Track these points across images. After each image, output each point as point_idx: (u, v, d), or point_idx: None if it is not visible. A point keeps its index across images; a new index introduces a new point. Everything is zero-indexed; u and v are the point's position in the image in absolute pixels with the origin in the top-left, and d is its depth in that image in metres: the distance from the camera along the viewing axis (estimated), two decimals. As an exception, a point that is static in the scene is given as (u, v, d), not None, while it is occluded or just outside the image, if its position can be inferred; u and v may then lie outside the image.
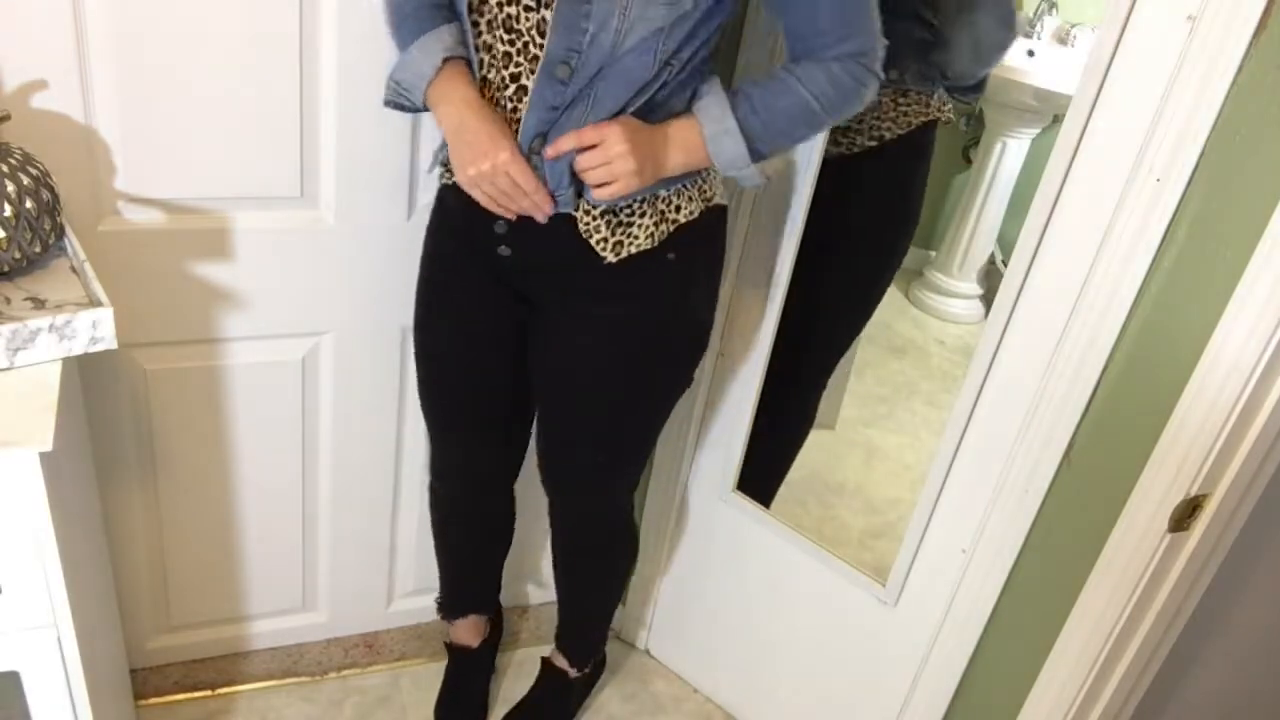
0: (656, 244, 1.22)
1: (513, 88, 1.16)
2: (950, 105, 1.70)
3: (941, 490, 1.47)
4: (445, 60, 1.16)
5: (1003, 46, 1.55)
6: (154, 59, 1.24)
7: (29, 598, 1.04)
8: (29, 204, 1.05)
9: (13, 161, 1.05)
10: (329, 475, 1.65)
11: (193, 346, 1.45)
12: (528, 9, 1.11)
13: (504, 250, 1.28)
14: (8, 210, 1.03)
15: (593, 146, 1.13)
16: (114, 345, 1.06)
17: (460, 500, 1.60)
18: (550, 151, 1.15)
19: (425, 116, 1.40)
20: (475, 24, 1.16)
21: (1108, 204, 1.18)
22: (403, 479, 1.71)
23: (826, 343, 1.88)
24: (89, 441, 1.43)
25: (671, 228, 1.23)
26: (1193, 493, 1.17)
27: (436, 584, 1.74)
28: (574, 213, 1.21)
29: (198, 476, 1.56)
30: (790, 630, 1.76)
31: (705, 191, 1.25)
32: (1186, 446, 1.16)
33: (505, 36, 1.14)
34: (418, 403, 1.63)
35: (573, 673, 1.75)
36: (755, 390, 1.69)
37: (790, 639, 1.76)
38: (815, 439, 1.95)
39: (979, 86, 1.70)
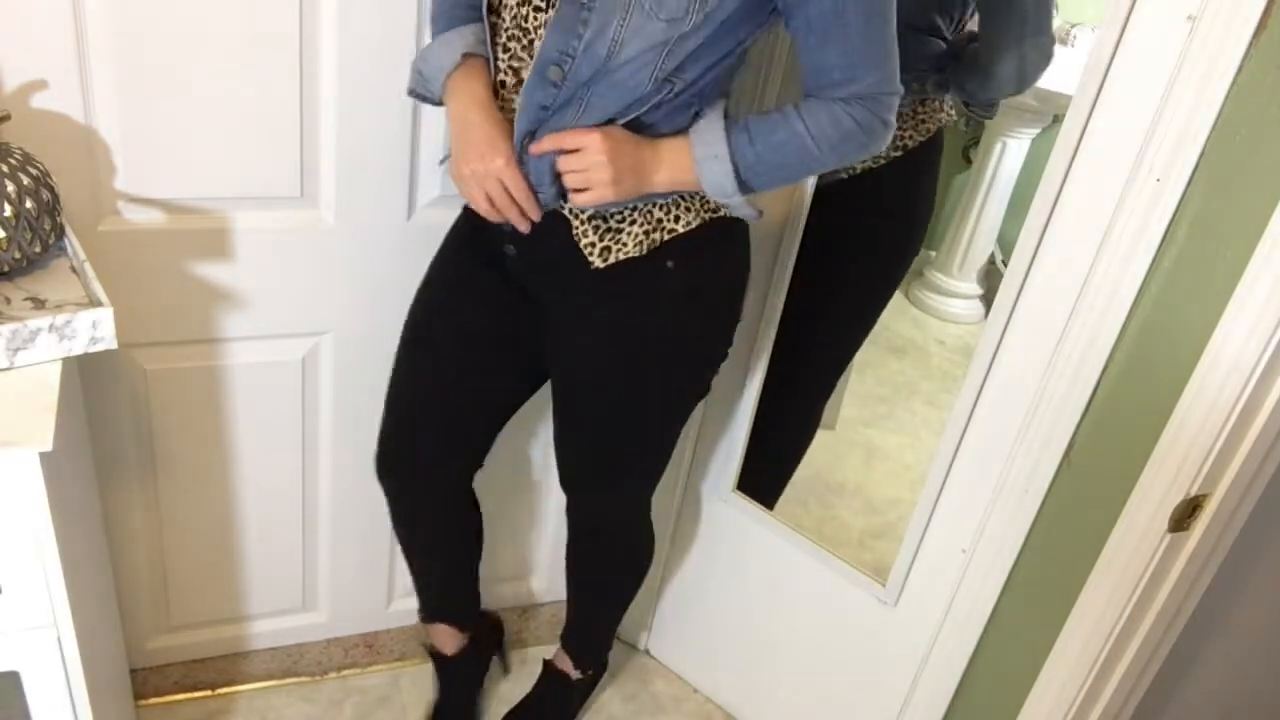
0: (646, 252, 1.21)
1: (515, 82, 1.16)
2: (953, 106, 1.70)
3: (941, 490, 1.47)
4: (465, 57, 1.19)
5: (1045, 67, 1.55)
6: (154, 59, 1.24)
7: (29, 598, 1.04)
8: (29, 204, 1.05)
9: (13, 161, 1.05)
10: (329, 475, 1.65)
11: (193, 346, 1.45)
12: (537, 9, 1.12)
13: (510, 249, 1.29)
14: (8, 210, 1.03)
15: (575, 151, 1.13)
16: (114, 345, 1.06)
17: (406, 499, 1.55)
18: (534, 148, 1.16)
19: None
20: (494, 25, 1.17)
21: (1108, 204, 1.18)
22: (403, 479, 1.71)
23: (834, 350, 1.88)
24: (89, 441, 1.43)
25: (667, 236, 1.21)
26: (1193, 493, 1.17)
27: (436, 584, 1.74)
28: (564, 214, 1.21)
29: (198, 476, 1.56)
30: (790, 630, 1.76)
31: (710, 203, 1.23)
32: (1186, 446, 1.16)
33: (514, 33, 1.15)
34: (418, 403, 1.64)
35: (575, 674, 1.75)
36: (755, 390, 1.69)
37: (790, 639, 1.76)
38: (815, 439, 1.95)
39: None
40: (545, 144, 1.15)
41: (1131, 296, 1.18)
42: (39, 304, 1.04)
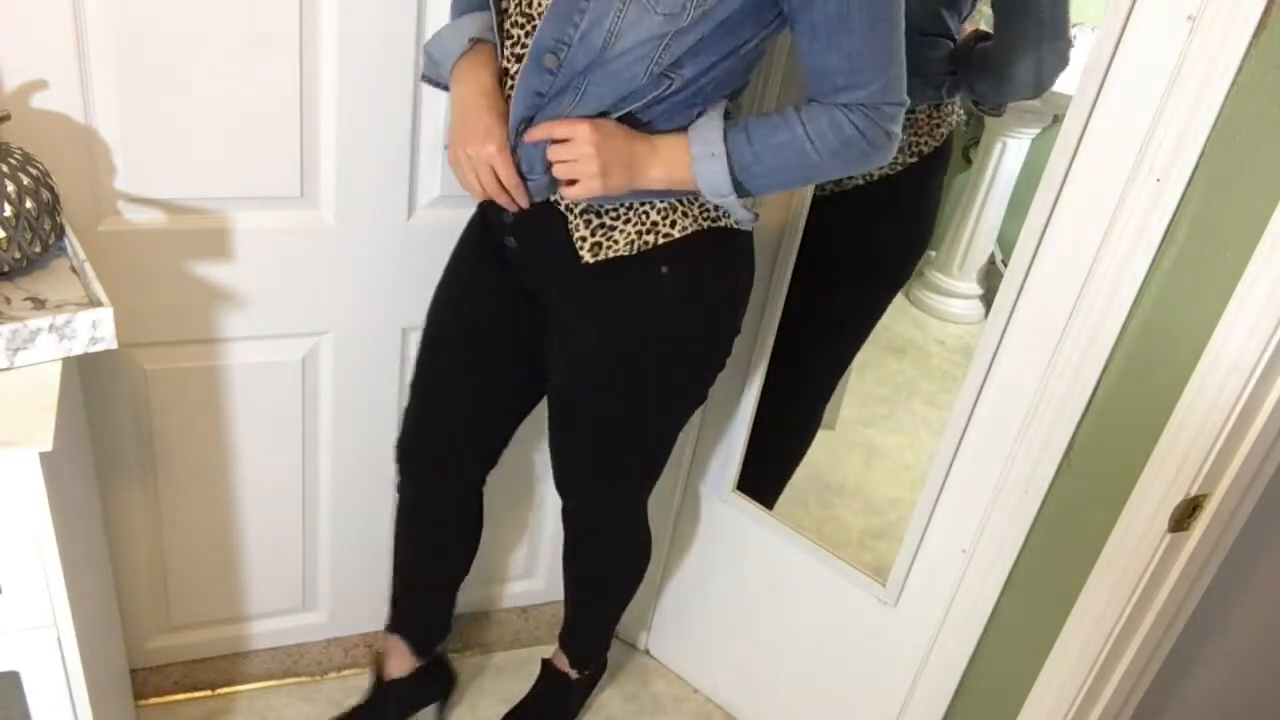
0: (637, 253, 1.21)
1: (523, 63, 1.16)
2: (962, 106, 1.70)
3: (941, 490, 1.47)
4: (474, 42, 1.20)
5: (1062, 70, 1.55)
6: (154, 59, 1.24)
7: (29, 598, 1.04)
8: (29, 204, 1.05)
9: (13, 161, 1.05)
10: (329, 475, 1.65)
11: (193, 346, 1.45)
12: None
13: (511, 241, 1.29)
14: (8, 210, 1.03)
15: (565, 141, 1.14)
16: (114, 345, 1.06)
17: (415, 494, 1.56)
18: (527, 136, 1.16)
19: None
20: (502, 10, 1.17)
21: (1108, 204, 1.18)
22: (403, 479, 1.71)
23: (836, 351, 1.88)
24: (89, 441, 1.43)
25: (661, 240, 1.21)
26: (1193, 493, 1.17)
27: (436, 584, 1.74)
28: (560, 209, 1.22)
29: (198, 476, 1.56)
30: (790, 630, 1.76)
31: (710, 211, 1.22)
32: (1186, 446, 1.16)
33: (519, 19, 1.15)
34: (418, 403, 1.64)
35: (574, 674, 1.75)
36: (755, 390, 1.69)
37: (790, 639, 1.76)
38: (816, 439, 1.95)
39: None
40: (536, 133, 1.15)
41: (1131, 296, 1.18)
42: (39, 304, 1.04)
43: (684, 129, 1.16)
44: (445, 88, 1.25)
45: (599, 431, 1.38)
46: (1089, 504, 1.29)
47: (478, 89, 1.18)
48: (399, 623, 1.67)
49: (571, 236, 1.22)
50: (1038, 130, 2.38)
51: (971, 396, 1.39)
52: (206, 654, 1.75)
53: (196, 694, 1.76)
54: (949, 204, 2.61)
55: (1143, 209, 1.15)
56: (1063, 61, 1.53)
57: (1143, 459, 1.20)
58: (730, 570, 1.82)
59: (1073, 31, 2.37)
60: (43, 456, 0.96)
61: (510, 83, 1.18)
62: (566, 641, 1.74)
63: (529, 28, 1.14)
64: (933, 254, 2.65)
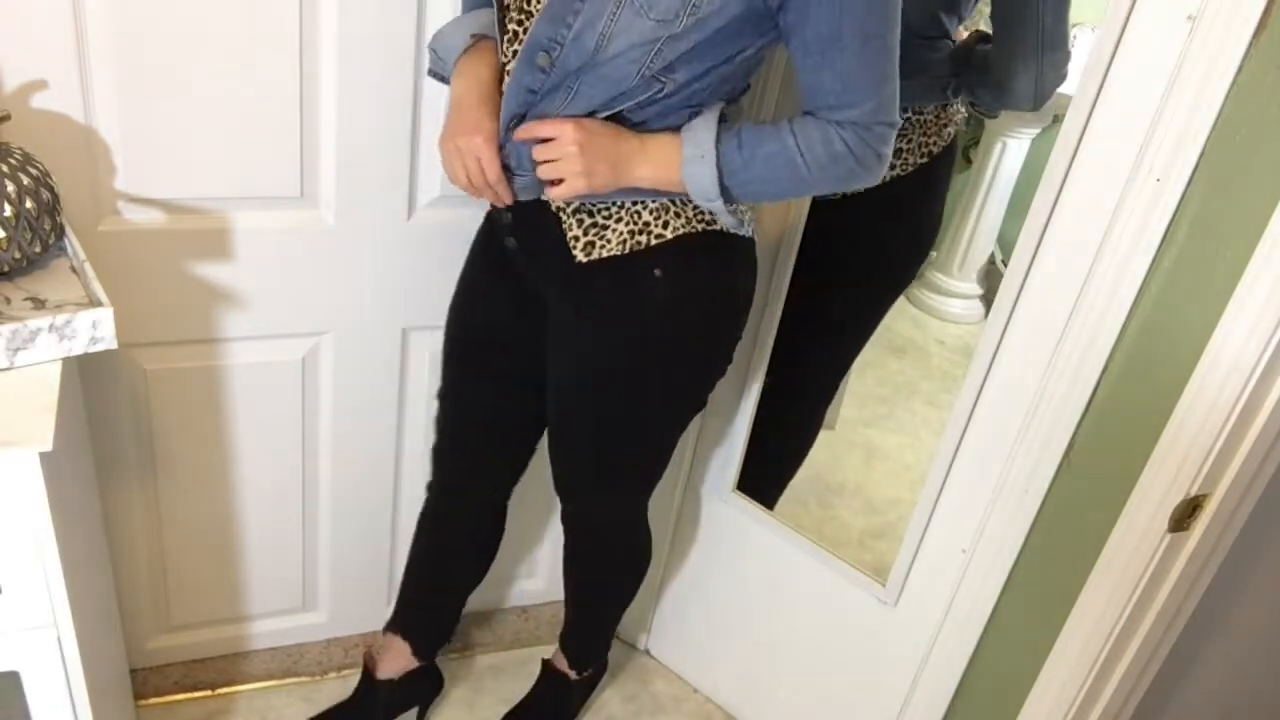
0: (629, 252, 1.21)
1: (516, 60, 1.17)
2: (963, 104, 1.70)
3: (941, 490, 1.47)
4: (475, 38, 1.22)
5: (1060, 83, 1.54)
6: (154, 59, 1.24)
7: (29, 598, 1.04)
8: (29, 204, 1.05)
9: (13, 161, 1.05)
10: (329, 475, 1.65)
11: (193, 346, 1.45)
12: None
13: (511, 242, 1.30)
14: (8, 210, 1.03)
15: (550, 140, 1.14)
16: (114, 345, 1.06)
17: (440, 497, 1.58)
18: (515, 135, 1.17)
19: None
20: (504, 6, 1.18)
21: (1108, 204, 1.18)
22: (403, 478, 1.71)
23: (837, 353, 1.88)
24: (89, 441, 1.43)
25: (654, 241, 1.21)
26: (1193, 493, 1.17)
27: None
28: (552, 208, 1.23)
29: (198, 476, 1.56)
30: (790, 630, 1.76)
31: (703, 214, 1.22)
32: (1186, 446, 1.16)
33: (519, 16, 1.16)
34: (417, 403, 1.64)
35: (573, 675, 1.75)
36: (756, 390, 1.69)
37: (790, 639, 1.76)
38: (816, 440, 1.95)
39: None
40: (522, 132, 1.16)
41: (1131, 296, 1.18)
42: (39, 304, 1.04)
43: (678, 129, 1.16)
44: (449, 82, 1.26)
45: (596, 433, 1.38)
46: (1089, 504, 1.29)
47: (475, 83, 1.20)
48: (403, 622, 1.67)
49: (565, 236, 1.23)
50: (1038, 130, 2.38)
51: (971, 396, 1.39)
52: (206, 654, 1.75)
53: (196, 694, 1.76)
54: (949, 204, 2.61)
55: (1143, 209, 1.15)
56: (1061, 74, 1.53)
57: (1143, 459, 1.20)
58: (730, 570, 1.82)
59: (1073, 31, 2.37)
60: (43, 456, 0.96)
61: (508, 79, 1.19)
62: (567, 642, 1.74)
63: (528, 25, 1.15)
64: (933, 254, 2.65)
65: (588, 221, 1.22)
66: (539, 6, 1.13)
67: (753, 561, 1.77)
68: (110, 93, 1.24)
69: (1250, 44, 1.03)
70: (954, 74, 1.59)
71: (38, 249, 1.08)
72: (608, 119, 1.15)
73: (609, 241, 1.22)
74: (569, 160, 1.13)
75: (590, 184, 1.15)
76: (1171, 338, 1.17)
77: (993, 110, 1.66)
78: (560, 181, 1.15)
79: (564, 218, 1.23)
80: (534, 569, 1.94)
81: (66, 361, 1.05)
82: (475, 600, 1.71)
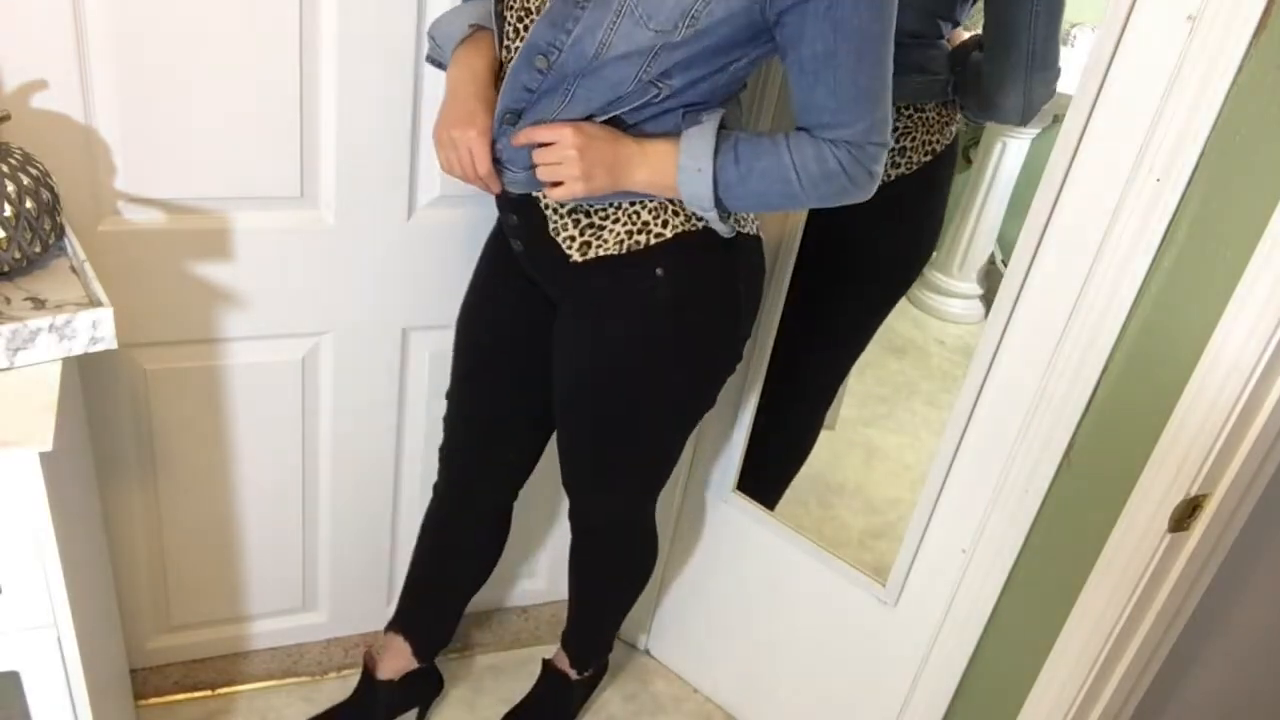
0: (626, 252, 1.22)
1: (515, 58, 1.17)
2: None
3: (941, 490, 1.47)
4: (474, 28, 1.23)
5: (1049, 99, 1.54)
6: (154, 59, 1.24)
7: (29, 598, 1.04)
8: (29, 204, 1.05)
9: (13, 161, 1.05)
10: (329, 475, 1.65)
11: (193, 346, 1.45)
12: None
13: (516, 244, 1.31)
14: (8, 210, 1.03)
15: (549, 144, 1.15)
16: (114, 345, 1.06)
17: (447, 498, 1.58)
18: (512, 140, 1.19)
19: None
20: (503, 2, 1.18)
21: (1108, 204, 1.18)
22: (403, 478, 1.71)
23: (837, 357, 1.88)
24: (89, 441, 1.43)
25: (653, 241, 1.21)
26: (1193, 493, 1.17)
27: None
28: (541, 208, 1.24)
29: (198, 476, 1.56)
30: (790, 630, 1.76)
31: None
32: (1186, 446, 1.16)
33: (519, 13, 1.16)
34: (417, 403, 1.64)
35: (574, 675, 1.75)
36: (756, 390, 1.69)
37: (790, 639, 1.76)
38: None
39: None
40: (521, 137, 1.17)
41: (1131, 296, 1.18)
42: (39, 304, 1.04)
43: (674, 134, 1.17)
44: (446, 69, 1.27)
45: (596, 431, 1.38)
46: (1089, 504, 1.29)
47: (470, 74, 1.21)
48: (404, 623, 1.67)
49: (558, 236, 1.24)
50: (1038, 130, 2.38)
51: (971, 396, 1.39)
52: (206, 654, 1.75)
53: (196, 694, 1.76)
54: (949, 204, 2.61)
55: (1143, 209, 1.15)
56: (1050, 91, 1.53)
57: (1143, 459, 1.20)
58: (730, 570, 1.82)
59: (1073, 31, 2.38)
60: (43, 456, 0.96)
61: (507, 67, 1.19)
62: (568, 641, 1.74)
63: (528, 21, 1.15)
64: (933, 254, 2.65)
65: (584, 221, 1.22)
66: (537, 3, 1.13)
67: (753, 561, 1.77)
68: (110, 93, 1.24)
69: (1250, 44, 1.03)
70: (952, 72, 1.59)
71: (38, 249, 1.08)
72: (605, 122, 1.16)
73: (605, 242, 1.22)
74: (568, 164, 1.14)
75: (589, 188, 1.15)
76: (1171, 338, 1.17)
77: (979, 121, 1.67)
78: (559, 184, 1.16)
79: (554, 218, 1.24)
80: (534, 569, 1.94)
81: (66, 361, 1.05)
82: (475, 600, 1.71)
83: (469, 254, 1.48)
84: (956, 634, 1.49)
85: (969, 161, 2.55)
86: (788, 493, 1.89)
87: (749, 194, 1.16)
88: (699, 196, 1.16)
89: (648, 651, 2.01)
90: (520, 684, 1.84)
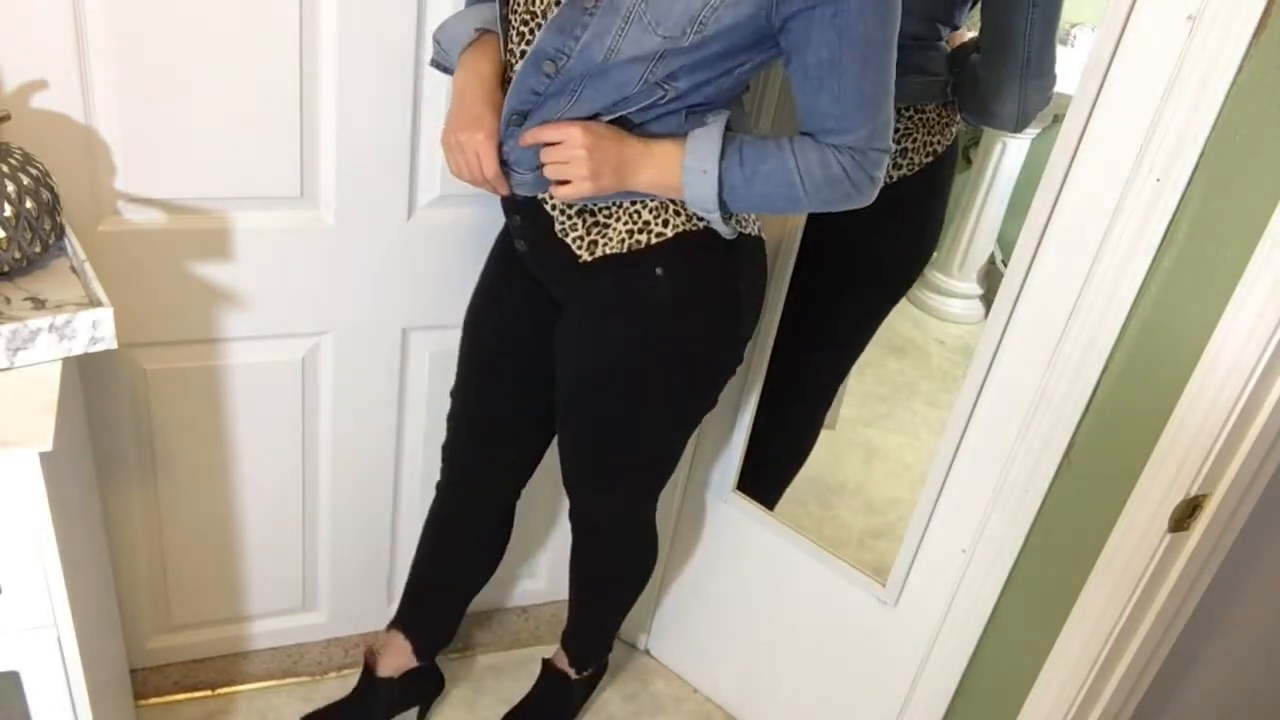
0: (629, 251, 1.22)
1: (522, 62, 1.18)
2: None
3: (941, 490, 1.47)
4: (480, 32, 1.23)
5: (1044, 107, 1.55)
6: (154, 59, 1.24)
7: (29, 598, 1.04)
8: (29, 204, 1.05)
9: (13, 161, 1.05)
10: (329, 475, 1.65)
11: (193, 346, 1.45)
12: None
13: (521, 245, 1.32)
14: (8, 210, 1.03)
15: (556, 143, 1.16)
16: (114, 345, 1.06)
17: (449, 496, 1.58)
18: (520, 139, 1.19)
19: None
20: (508, 6, 1.19)
21: (1108, 204, 1.18)
22: (403, 478, 1.71)
23: (837, 358, 1.87)
24: (89, 441, 1.43)
25: (654, 240, 1.22)
26: (1193, 493, 1.17)
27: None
28: (547, 209, 1.24)
29: (198, 476, 1.56)
30: (790, 630, 1.76)
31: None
32: (1186, 446, 1.16)
33: (524, 16, 1.17)
34: (417, 403, 1.64)
35: (574, 674, 1.75)
36: (756, 390, 1.69)
37: (790, 639, 1.76)
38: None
39: None
40: (528, 137, 1.18)
41: (1131, 296, 1.18)
42: (39, 304, 1.04)
43: (679, 135, 1.17)
44: (452, 73, 1.27)
45: (597, 430, 1.38)
46: (1089, 504, 1.29)
47: (477, 78, 1.21)
48: (406, 622, 1.67)
49: (565, 237, 1.24)
50: (1038, 130, 2.38)
51: (971, 396, 1.39)
52: (206, 654, 1.75)
53: (196, 694, 1.76)
54: (949, 204, 2.61)
55: (1143, 209, 1.15)
56: (1045, 99, 1.53)
57: (1143, 459, 1.20)
58: (730, 570, 1.82)
59: (1073, 31, 2.37)
60: (43, 456, 0.96)
61: (511, 75, 1.20)
62: (568, 641, 1.74)
63: (533, 24, 1.16)
64: (934, 255, 2.65)
65: (590, 220, 1.23)
66: (541, 6, 1.13)
67: (753, 561, 1.77)
68: (110, 93, 1.24)
69: (1250, 44, 1.03)
70: (951, 73, 1.59)
71: (38, 249, 1.08)
72: (610, 122, 1.16)
73: (610, 240, 1.22)
74: (576, 164, 1.15)
75: (596, 187, 1.16)
76: (1171, 338, 1.17)
77: (975, 125, 1.67)
78: (566, 182, 1.17)
79: (559, 218, 1.24)
80: (534, 569, 1.94)
81: (66, 361, 1.05)
82: (476, 600, 1.71)
83: (469, 254, 1.48)
84: (956, 634, 1.49)
85: (969, 161, 2.55)
86: (788, 493, 1.89)
87: (753, 196, 1.17)
88: (703, 198, 1.16)
89: (648, 651, 2.01)
90: (520, 684, 1.84)
